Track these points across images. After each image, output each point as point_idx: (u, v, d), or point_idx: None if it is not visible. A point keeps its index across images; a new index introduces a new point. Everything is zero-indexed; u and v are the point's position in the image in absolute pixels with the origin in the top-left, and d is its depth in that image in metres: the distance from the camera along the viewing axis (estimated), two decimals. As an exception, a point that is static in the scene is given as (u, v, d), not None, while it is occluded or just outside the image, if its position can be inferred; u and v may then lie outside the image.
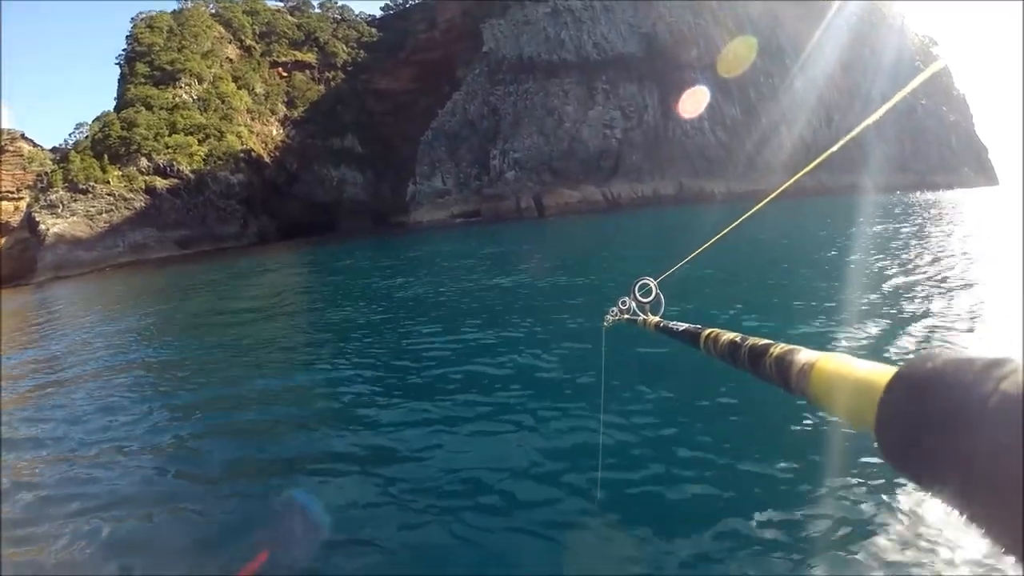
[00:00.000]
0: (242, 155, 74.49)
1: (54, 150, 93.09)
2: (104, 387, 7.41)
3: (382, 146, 73.37)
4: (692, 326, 1.02)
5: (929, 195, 52.32)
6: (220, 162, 73.68)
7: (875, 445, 0.36)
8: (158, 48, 79.04)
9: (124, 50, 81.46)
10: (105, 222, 68.07)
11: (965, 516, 0.28)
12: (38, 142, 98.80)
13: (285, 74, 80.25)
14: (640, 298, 1.60)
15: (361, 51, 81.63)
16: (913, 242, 14.67)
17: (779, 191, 1.13)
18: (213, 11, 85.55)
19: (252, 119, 76.84)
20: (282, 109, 77.94)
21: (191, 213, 72.85)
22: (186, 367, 7.77)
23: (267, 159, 74.67)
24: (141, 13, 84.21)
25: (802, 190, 67.46)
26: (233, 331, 10.22)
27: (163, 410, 6.06)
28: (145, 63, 78.29)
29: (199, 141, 74.48)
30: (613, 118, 62.73)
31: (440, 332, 8.14)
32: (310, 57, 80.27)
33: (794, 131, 72.15)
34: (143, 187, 71.16)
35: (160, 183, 72.00)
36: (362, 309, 11.06)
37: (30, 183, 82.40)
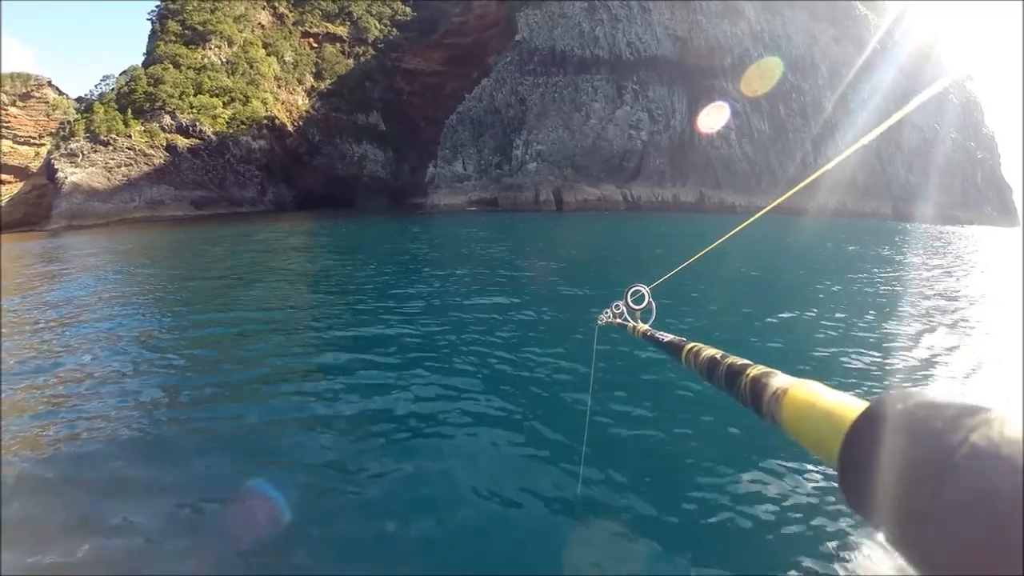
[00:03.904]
0: (265, 121, 74.50)
1: (79, 100, 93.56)
2: (89, 347, 7.06)
3: (406, 126, 73.12)
4: (676, 338, 1.01)
5: (949, 228, 51.89)
6: (243, 126, 73.77)
7: (836, 482, 0.35)
8: (191, 8, 79.13)
9: (157, 6, 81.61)
10: (123, 176, 68.32)
11: (914, 565, 0.27)
12: (64, 90, 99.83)
13: (316, 45, 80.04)
14: (632, 305, 1.60)
15: (393, 29, 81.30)
16: (922, 272, 14.57)
17: (765, 210, 1.15)
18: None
19: (279, 87, 76.76)
20: (309, 80, 77.77)
21: (210, 175, 73.07)
22: (181, 339, 7.37)
23: (290, 128, 74.62)
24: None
25: (824, 211, 66.96)
26: (240, 297, 9.98)
27: (141, 378, 5.75)
28: (177, 21, 78.40)
29: (224, 104, 74.59)
30: (640, 119, 62.25)
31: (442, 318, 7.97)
32: (342, 30, 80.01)
33: (820, 151, 71.56)
34: (164, 144, 71.37)
35: (181, 142, 72.19)
36: (369, 289, 10.79)
37: (52, 130, 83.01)
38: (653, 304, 1.59)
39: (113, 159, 68.95)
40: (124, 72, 79.19)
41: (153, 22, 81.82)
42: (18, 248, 30.03)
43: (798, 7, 75.89)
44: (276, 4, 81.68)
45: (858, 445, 0.34)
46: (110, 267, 16.09)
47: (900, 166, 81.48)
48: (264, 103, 75.36)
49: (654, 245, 21.03)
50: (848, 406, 0.40)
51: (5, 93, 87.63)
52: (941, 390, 0.31)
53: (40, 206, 76.70)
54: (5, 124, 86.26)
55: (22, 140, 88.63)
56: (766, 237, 24.28)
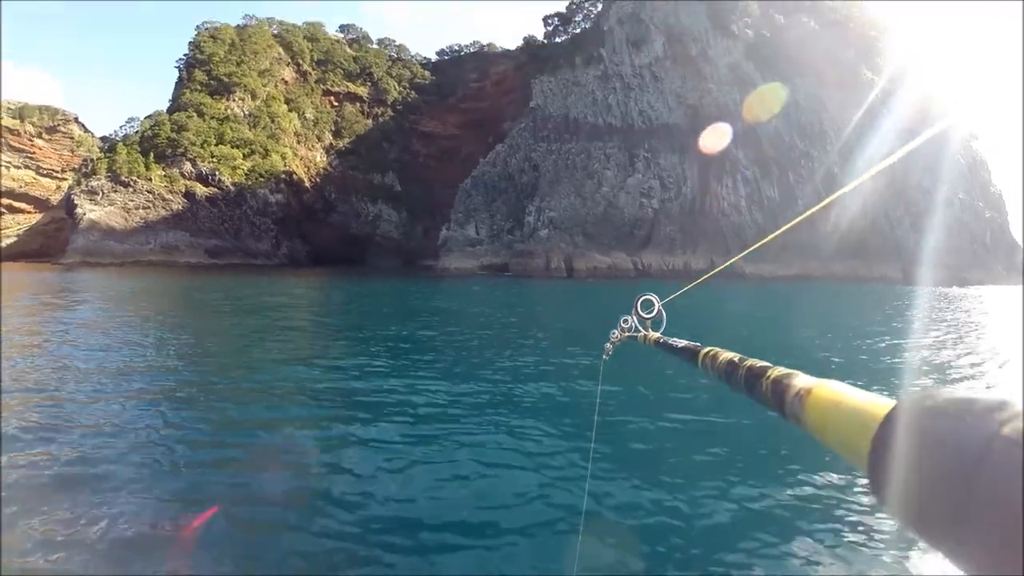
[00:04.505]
0: (283, 176, 76.20)
1: (104, 139, 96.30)
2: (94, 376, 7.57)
3: (421, 188, 74.60)
4: (691, 343, 1.03)
5: (959, 290, 51.53)
6: (261, 179, 75.37)
7: (866, 480, 0.35)
8: (218, 59, 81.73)
9: (185, 55, 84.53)
10: (141, 218, 69.66)
11: (955, 562, 0.27)
12: (89, 128, 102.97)
13: (336, 104, 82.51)
14: (642, 314, 1.62)
15: (412, 92, 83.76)
16: (925, 338, 14.78)
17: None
18: (275, 32, 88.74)
19: (298, 142, 78.82)
20: (328, 137, 79.89)
21: (226, 224, 74.36)
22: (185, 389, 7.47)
23: (307, 184, 76.23)
24: (207, 23, 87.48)
25: (832, 276, 66.92)
26: (249, 354, 10.08)
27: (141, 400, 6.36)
28: (204, 71, 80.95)
29: (244, 155, 76.45)
30: (652, 187, 63.12)
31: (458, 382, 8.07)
32: (362, 90, 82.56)
33: (829, 214, 72.03)
34: (183, 191, 72.97)
35: (200, 190, 73.79)
36: (381, 347, 10.99)
37: (75, 166, 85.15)
38: (663, 313, 1.61)
39: (132, 200, 70.44)
40: (149, 116, 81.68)
41: (181, 70, 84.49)
42: (31, 278, 30.67)
43: (806, 74, 77.45)
44: (300, 61, 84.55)
45: (888, 443, 0.34)
46: (123, 310, 16.47)
47: (909, 228, 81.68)
48: (283, 158, 77.22)
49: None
50: (875, 404, 0.40)
51: (32, 124, 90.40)
52: (964, 388, 0.32)
53: (57, 239, 78.26)
54: (29, 155, 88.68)
55: (45, 172, 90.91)
56: (773, 300, 24.91)
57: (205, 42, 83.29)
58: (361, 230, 73.20)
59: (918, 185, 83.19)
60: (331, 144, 79.65)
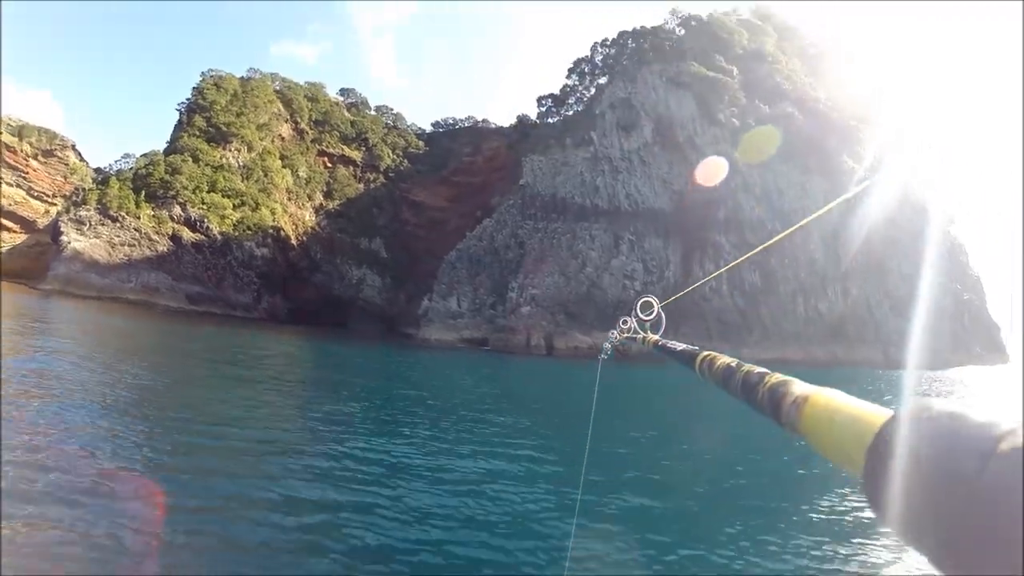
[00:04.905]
0: (271, 231, 76.24)
1: (98, 170, 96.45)
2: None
3: (407, 256, 75.00)
4: (689, 347, 1.04)
5: (940, 372, 51.92)
6: (249, 231, 75.29)
7: (861, 490, 0.35)
8: (219, 108, 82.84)
9: (187, 99, 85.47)
10: (124, 254, 69.05)
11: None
12: (85, 157, 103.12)
13: (330, 165, 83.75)
14: (642, 316, 1.61)
15: (405, 160, 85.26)
16: None
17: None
18: (277, 88, 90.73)
19: (289, 199, 79.39)
20: (319, 197, 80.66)
21: (209, 272, 73.75)
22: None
23: (294, 241, 76.35)
24: (212, 71, 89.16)
25: (814, 361, 67.12)
26: (217, 409, 10.14)
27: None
28: (203, 117, 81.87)
29: (234, 206, 76.60)
30: (635, 270, 63.76)
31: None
32: (356, 154, 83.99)
33: (811, 302, 73.03)
34: (170, 233, 72.66)
35: (187, 235, 73.51)
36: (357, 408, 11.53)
37: (66, 193, 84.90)
38: (663, 316, 1.60)
39: (118, 236, 69.96)
40: (145, 155, 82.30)
41: (181, 113, 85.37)
42: (8, 299, 30.35)
43: (790, 161, 79.98)
44: (298, 120, 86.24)
45: (884, 454, 0.34)
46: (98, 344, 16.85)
47: (889, 312, 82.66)
48: (272, 212, 77.47)
49: (631, 396, 21.52)
50: (873, 414, 0.39)
51: (30, 145, 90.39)
52: (959, 402, 0.32)
53: (38, 263, 76.97)
54: (23, 174, 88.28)
55: (36, 194, 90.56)
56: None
57: (208, 89, 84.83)
58: (344, 292, 72.94)
59: (898, 270, 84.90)
60: (321, 204, 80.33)
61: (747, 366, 0.70)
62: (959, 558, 0.26)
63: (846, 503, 6.30)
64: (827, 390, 0.50)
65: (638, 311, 1.72)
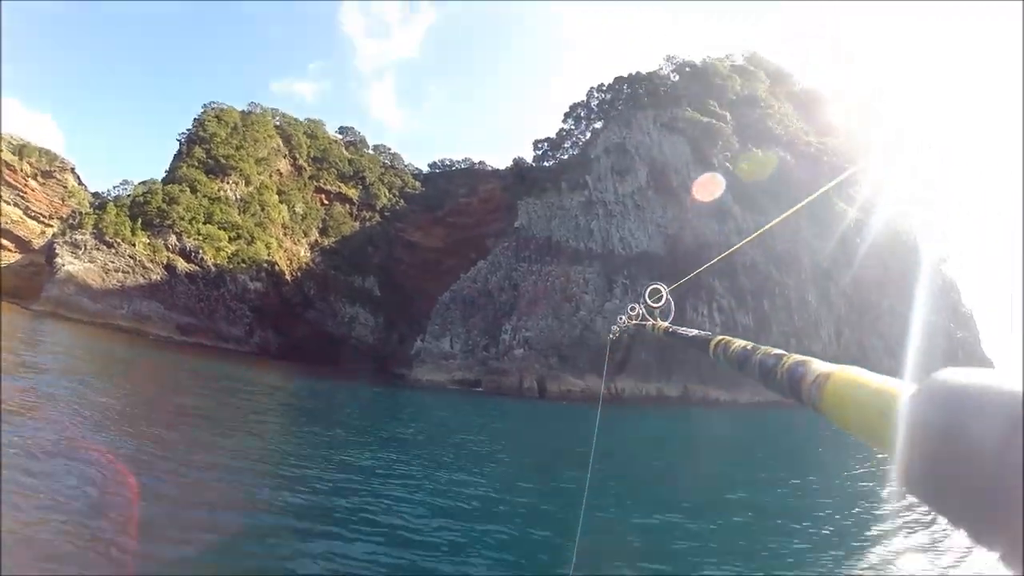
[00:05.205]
0: (266, 265, 76.21)
1: (96, 195, 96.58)
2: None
3: (400, 296, 75.13)
4: (701, 333, 1.06)
5: None
6: (243, 265, 75.22)
7: (890, 467, 0.33)
8: (219, 140, 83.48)
9: (188, 130, 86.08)
10: (118, 281, 68.67)
11: (992, 550, 0.26)
12: (84, 180, 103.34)
13: (326, 202, 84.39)
14: (651, 303, 1.58)
15: (401, 200, 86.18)
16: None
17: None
18: (278, 123, 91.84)
19: (284, 234, 79.67)
20: (315, 234, 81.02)
21: (202, 304, 73.34)
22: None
23: (288, 277, 76.36)
24: (214, 103, 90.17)
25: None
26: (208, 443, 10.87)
27: None
28: (203, 148, 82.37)
29: (230, 238, 76.65)
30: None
31: None
32: (353, 193, 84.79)
33: (804, 344, 72.98)
34: (164, 262, 72.40)
35: (182, 265, 73.31)
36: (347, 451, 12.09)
37: (63, 215, 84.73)
38: (672, 302, 1.61)
39: (113, 262, 69.65)
40: (143, 182, 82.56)
41: (181, 143, 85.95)
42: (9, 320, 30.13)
43: (783, 204, 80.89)
44: (297, 155, 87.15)
45: (915, 425, 0.33)
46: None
47: (883, 354, 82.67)
48: (268, 247, 77.60)
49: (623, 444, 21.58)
50: (897, 388, 0.38)
51: (30, 164, 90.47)
52: (986, 372, 0.30)
53: (31, 283, 76.25)
54: (21, 194, 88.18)
55: (33, 214, 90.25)
56: (752, 430, 26.15)
57: (209, 121, 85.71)
58: (336, 330, 72.73)
59: (891, 311, 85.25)
60: (316, 241, 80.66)
61: (763, 348, 0.68)
62: (990, 529, 0.26)
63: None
64: (848, 367, 0.48)
65: (647, 298, 1.74)
